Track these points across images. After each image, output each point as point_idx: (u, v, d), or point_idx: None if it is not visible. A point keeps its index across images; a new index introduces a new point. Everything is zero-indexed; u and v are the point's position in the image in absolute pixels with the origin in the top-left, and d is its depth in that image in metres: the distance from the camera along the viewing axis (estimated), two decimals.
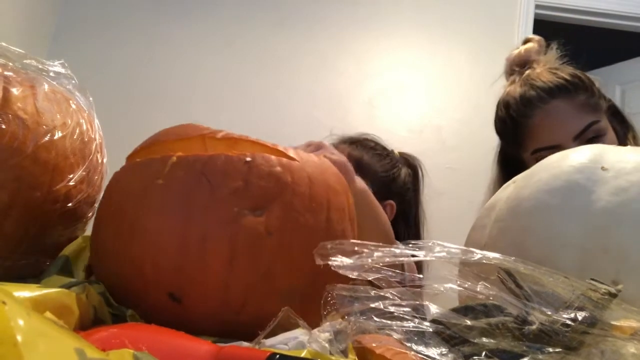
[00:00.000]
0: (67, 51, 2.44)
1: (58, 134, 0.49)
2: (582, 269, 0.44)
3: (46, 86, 0.53)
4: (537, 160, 0.87)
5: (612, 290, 0.32)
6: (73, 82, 0.56)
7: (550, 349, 0.30)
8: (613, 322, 0.31)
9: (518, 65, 1.03)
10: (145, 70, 2.45)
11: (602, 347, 0.29)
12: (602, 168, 0.48)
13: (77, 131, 0.52)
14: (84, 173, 0.51)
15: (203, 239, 0.42)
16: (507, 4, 2.56)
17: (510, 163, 1.00)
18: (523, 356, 0.30)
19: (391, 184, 1.19)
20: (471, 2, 2.56)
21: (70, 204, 0.49)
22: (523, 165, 0.94)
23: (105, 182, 0.57)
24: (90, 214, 0.55)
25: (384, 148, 1.22)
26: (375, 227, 0.84)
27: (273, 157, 0.48)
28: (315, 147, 0.72)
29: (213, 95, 2.42)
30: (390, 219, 1.09)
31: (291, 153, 0.49)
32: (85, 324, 0.40)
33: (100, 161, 0.55)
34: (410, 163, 1.26)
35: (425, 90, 2.49)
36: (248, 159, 0.46)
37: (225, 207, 0.43)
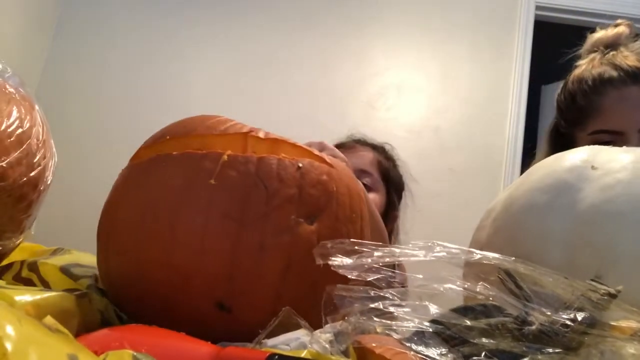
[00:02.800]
0: (67, 51, 2.44)
1: None
2: (568, 264, 0.45)
3: None
4: (593, 141, 0.84)
5: (612, 291, 0.32)
6: (9, 75, 0.56)
7: (550, 350, 0.30)
8: (612, 323, 0.31)
9: (603, 45, 0.97)
10: (145, 70, 2.45)
11: (602, 348, 0.29)
12: (592, 167, 0.49)
13: (14, 116, 0.52)
14: (21, 155, 0.51)
15: (260, 248, 0.41)
16: (507, 6, 2.56)
17: (561, 142, 0.96)
18: (523, 356, 0.30)
19: (401, 195, 1.27)
20: (471, 4, 2.56)
21: (4, 183, 0.49)
22: (574, 145, 0.90)
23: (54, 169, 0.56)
24: (36, 196, 0.54)
25: (396, 158, 1.30)
26: (374, 228, 0.85)
27: (319, 164, 0.46)
28: (318, 147, 0.72)
29: (212, 95, 2.42)
30: (389, 230, 1.17)
31: (326, 159, 0.48)
32: (91, 328, 0.40)
33: (40, 147, 0.55)
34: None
35: (425, 91, 2.49)
36: (300, 164, 0.44)
37: (283, 215, 0.42)
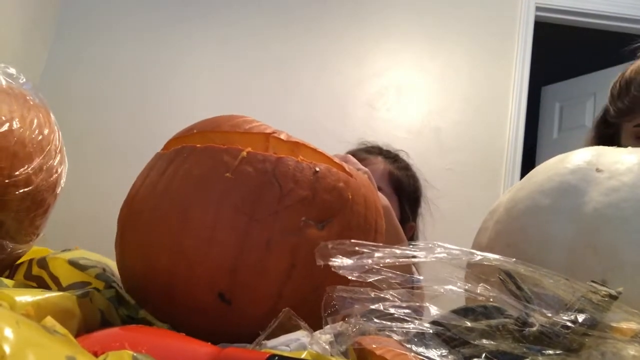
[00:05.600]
0: (67, 52, 2.44)
1: (16, 124, 0.51)
2: (571, 268, 0.44)
3: (3, 82, 0.56)
4: (636, 134, 0.85)
5: (613, 292, 0.32)
6: (22, 81, 0.58)
7: (551, 351, 0.30)
8: (613, 324, 0.31)
9: None
10: (145, 71, 2.45)
11: (603, 349, 0.29)
12: (597, 169, 0.48)
13: (35, 122, 0.54)
14: (43, 161, 0.54)
15: (267, 244, 0.41)
16: (507, 6, 2.56)
17: (608, 131, 0.94)
18: (523, 358, 0.30)
19: (417, 205, 1.22)
20: (471, 4, 2.56)
21: (30, 188, 0.51)
22: (619, 135, 0.91)
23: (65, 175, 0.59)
24: (53, 200, 0.56)
25: (412, 167, 1.24)
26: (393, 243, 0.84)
27: (336, 170, 0.46)
28: (342, 160, 0.72)
29: (212, 96, 2.42)
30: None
31: (345, 167, 0.49)
32: (92, 328, 0.40)
33: (57, 152, 0.57)
34: (419, 179, 1.27)
35: (425, 92, 2.49)
36: (317, 169, 0.45)
37: (293, 215, 0.42)
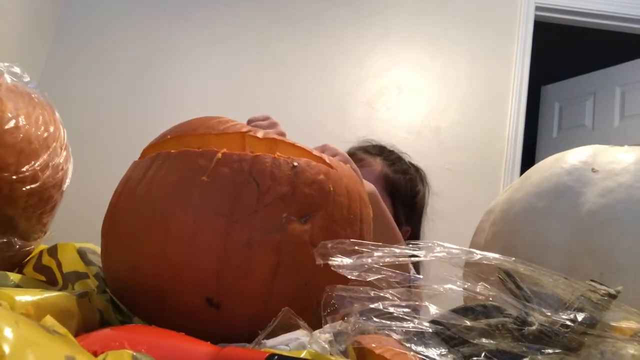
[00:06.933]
0: (67, 52, 2.44)
1: (22, 121, 0.52)
2: (569, 271, 0.44)
3: (9, 79, 0.56)
4: None
5: (612, 291, 0.32)
6: (27, 80, 0.58)
7: (550, 350, 0.30)
8: (613, 323, 0.31)
9: None
10: (145, 71, 2.45)
11: (602, 348, 0.29)
12: (593, 170, 0.48)
13: (40, 120, 0.55)
14: (48, 158, 0.54)
15: (248, 244, 0.41)
16: (507, 6, 2.56)
17: None
18: (522, 357, 0.30)
19: (414, 210, 1.19)
20: (471, 4, 2.56)
21: (36, 184, 0.52)
22: None
23: (72, 173, 0.59)
24: (59, 197, 0.57)
25: (414, 169, 1.21)
26: (385, 232, 0.84)
27: (316, 163, 0.46)
28: (320, 150, 0.72)
29: (212, 96, 2.42)
30: None
31: (326, 159, 0.48)
32: (91, 327, 0.40)
33: (62, 150, 0.58)
34: (425, 181, 1.24)
35: (425, 92, 2.49)
36: (295, 163, 0.44)
37: (273, 213, 0.41)
